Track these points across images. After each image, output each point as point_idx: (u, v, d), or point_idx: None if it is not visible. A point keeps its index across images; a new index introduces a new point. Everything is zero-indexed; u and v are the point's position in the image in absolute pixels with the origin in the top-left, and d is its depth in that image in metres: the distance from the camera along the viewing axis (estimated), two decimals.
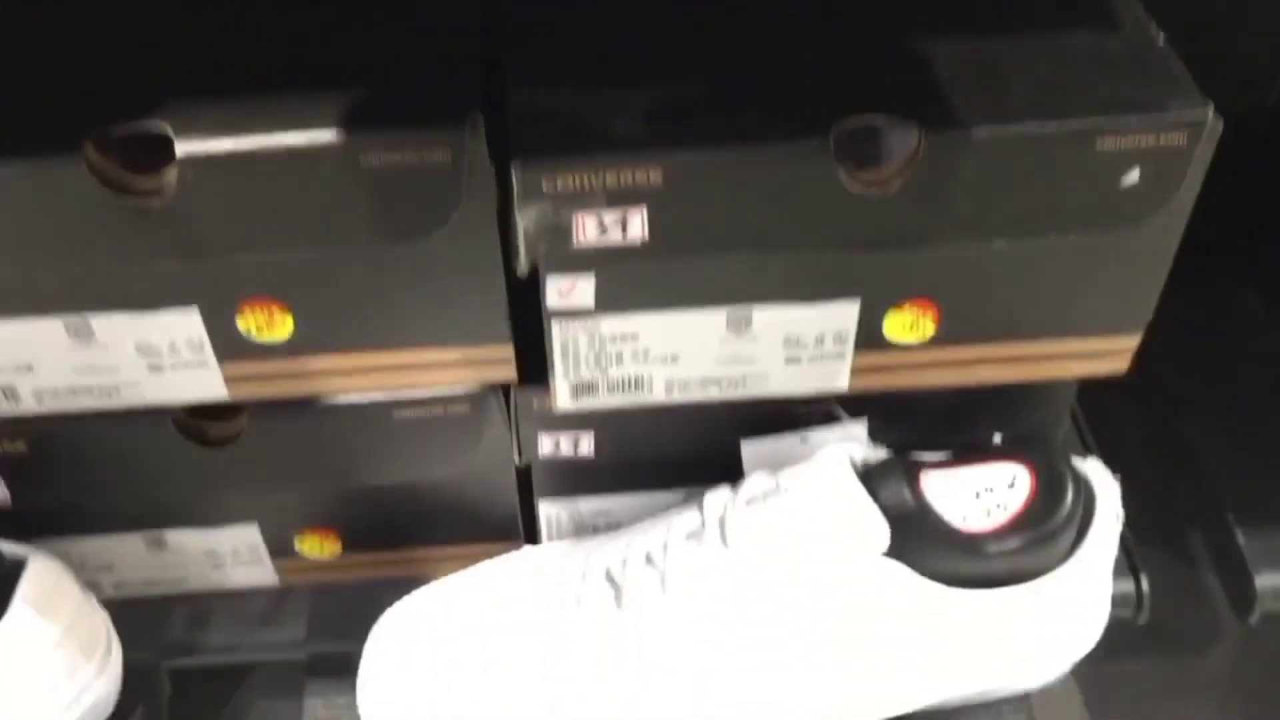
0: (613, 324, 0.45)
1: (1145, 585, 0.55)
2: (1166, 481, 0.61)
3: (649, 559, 0.49)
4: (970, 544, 0.47)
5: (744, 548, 0.47)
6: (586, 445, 0.52)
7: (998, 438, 0.50)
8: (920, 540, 0.46)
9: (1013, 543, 0.47)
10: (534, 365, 0.48)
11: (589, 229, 0.41)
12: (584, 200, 0.41)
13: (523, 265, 0.43)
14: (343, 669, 0.52)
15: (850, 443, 0.49)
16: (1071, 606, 0.49)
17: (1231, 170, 0.45)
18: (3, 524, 0.51)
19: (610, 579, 0.49)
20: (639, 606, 0.48)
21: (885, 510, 0.45)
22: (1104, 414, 0.60)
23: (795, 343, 0.46)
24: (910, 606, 0.46)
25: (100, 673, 0.50)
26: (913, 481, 0.47)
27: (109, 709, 0.51)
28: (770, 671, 0.47)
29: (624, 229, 0.41)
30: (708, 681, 0.47)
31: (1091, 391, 0.54)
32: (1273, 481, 0.58)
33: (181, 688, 0.56)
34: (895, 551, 0.45)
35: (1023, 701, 0.52)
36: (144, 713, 0.53)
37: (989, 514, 0.47)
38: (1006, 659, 0.50)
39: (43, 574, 0.48)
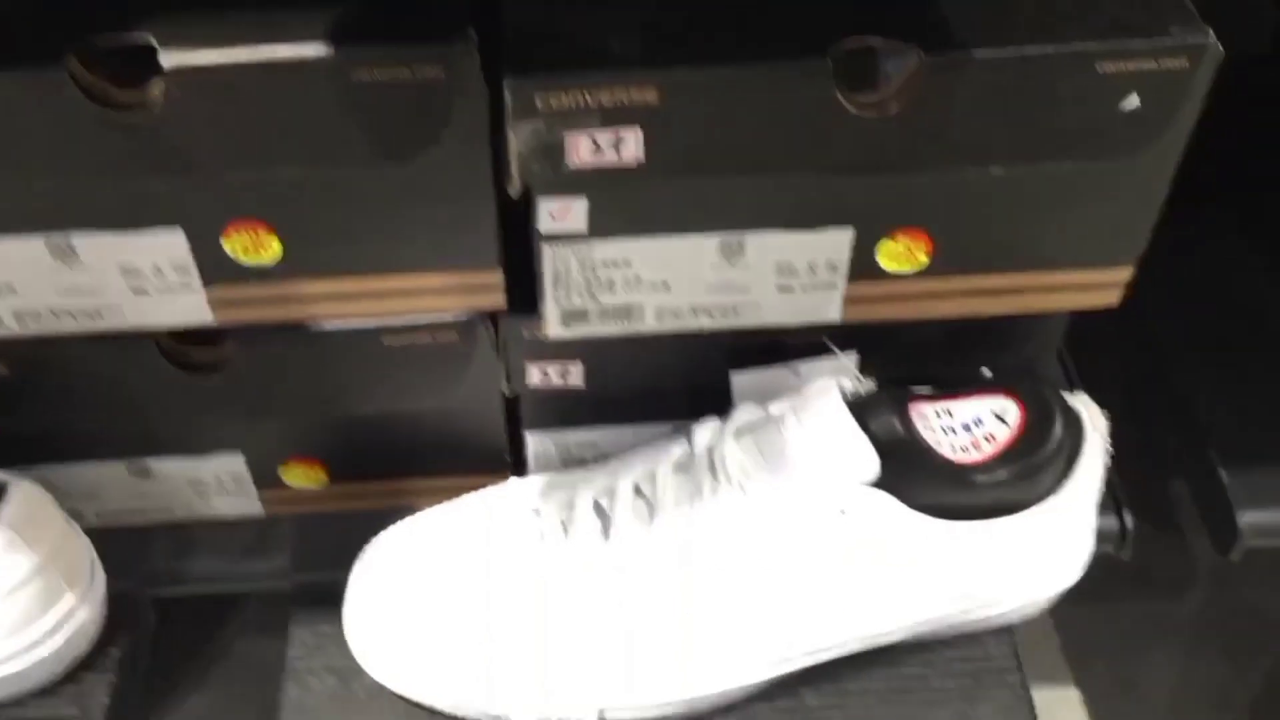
0: (605, 249, 0.45)
1: (1129, 521, 0.55)
2: (1150, 419, 0.61)
3: (637, 490, 0.49)
4: (959, 475, 0.47)
5: (732, 479, 0.47)
6: (576, 375, 0.51)
7: (987, 371, 0.50)
8: (909, 471, 0.46)
9: (1001, 474, 0.47)
10: (523, 295, 0.48)
11: (583, 149, 0.41)
12: (578, 119, 0.40)
13: (515, 186, 0.42)
14: (328, 599, 0.52)
15: (840, 375, 0.49)
16: (1057, 539, 0.49)
17: (1223, 116, 0.44)
18: None
19: (598, 510, 0.49)
20: (627, 538, 0.48)
21: (875, 441, 0.46)
22: (1089, 353, 0.60)
23: (788, 270, 0.46)
24: (898, 537, 0.46)
25: (83, 601, 0.50)
26: (903, 413, 0.47)
27: (92, 637, 0.51)
28: (756, 601, 0.47)
29: (618, 150, 0.41)
30: (694, 612, 0.47)
31: (1077, 331, 0.54)
32: (1256, 419, 0.59)
33: (166, 617, 0.56)
34: (884, 482, 0.45)
35: (1005, 634, 0.53)
36: (128, 641, 0.53)
37: (978, 446, 0.48)
38: (991, 590, 0.50)
39: (25, 500, 0.48)
